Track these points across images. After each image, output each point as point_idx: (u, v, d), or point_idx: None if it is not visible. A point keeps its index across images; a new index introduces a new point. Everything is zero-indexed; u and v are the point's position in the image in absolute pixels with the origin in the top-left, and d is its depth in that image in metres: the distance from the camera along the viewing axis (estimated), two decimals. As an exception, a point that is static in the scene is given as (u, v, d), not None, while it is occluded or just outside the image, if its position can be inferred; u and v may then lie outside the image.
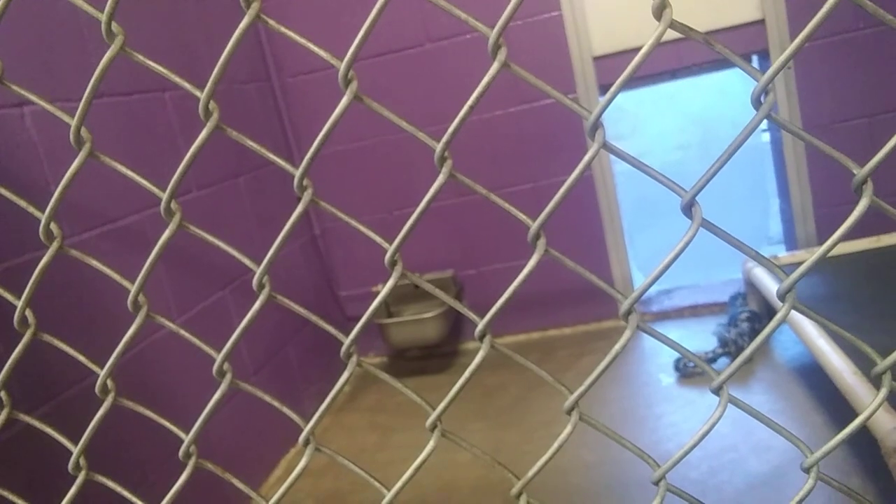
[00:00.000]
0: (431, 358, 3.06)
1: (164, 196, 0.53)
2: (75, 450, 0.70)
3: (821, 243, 2.85)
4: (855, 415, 1.63)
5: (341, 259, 3.11)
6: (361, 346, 3.21)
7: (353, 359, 0.56)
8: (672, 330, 2.80)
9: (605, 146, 0.49)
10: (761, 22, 2.62)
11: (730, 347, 2.39)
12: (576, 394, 0.55)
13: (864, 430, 1.49)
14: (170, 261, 2.02)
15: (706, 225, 0.49)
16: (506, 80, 2.66)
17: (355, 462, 0.65)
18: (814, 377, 2.15)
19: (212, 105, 0.50)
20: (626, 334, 0.52)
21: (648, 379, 2.47)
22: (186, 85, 0.52)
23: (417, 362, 3.07)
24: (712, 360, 2.41)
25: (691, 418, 2.15)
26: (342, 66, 0.48)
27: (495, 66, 0.48)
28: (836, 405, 1.90)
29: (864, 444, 1.51)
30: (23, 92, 0.61)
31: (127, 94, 1.96)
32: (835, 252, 2.40)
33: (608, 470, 1.96)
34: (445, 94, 2.82)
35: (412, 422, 2.53)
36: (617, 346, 0.52)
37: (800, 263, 0.50)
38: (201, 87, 0.52)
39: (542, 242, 0.52)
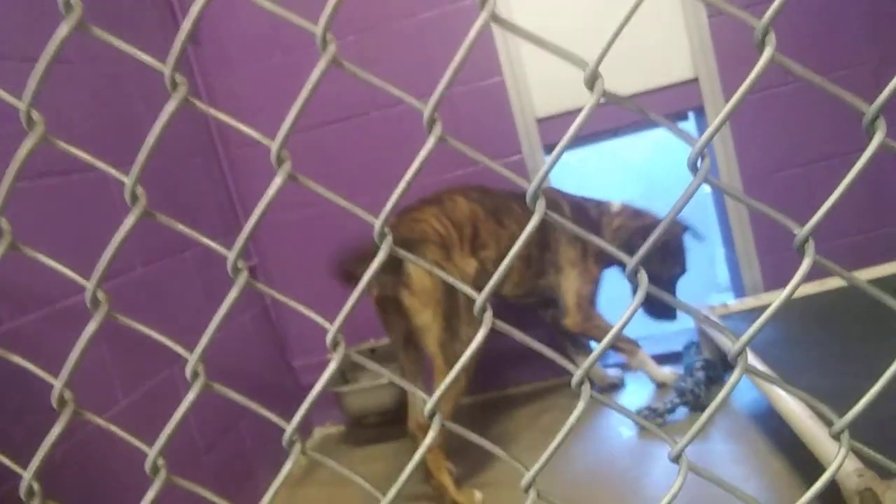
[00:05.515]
0: (391, 424, 2.99)
1: (89, 286, 0.50)
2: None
3: (767, 289, 2.92)
4: (814, 458, 1.63)
5: (294, 329, 3.04)
6: (318, 416, 3.12)
7: (296, 447, 0.53)
8: (629, 382, 2.80)
9: (546, 216, 0.48)
10: (695, 80, 2.72)
11: (687, 397, 2.40)
12: (532, 471, 0.53)
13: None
14: (113, 340, 1.94)
15: (653, 291, 0.49)
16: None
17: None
18: (771, 422, 2.16)
19: (139, 190, 0.48)
20: (580, 406, 0.51)
21: (609, 432, 2.45)
22: (112, 171, 0.50)
23: (376, 429, 2.99)
24: (671, 410, 2.41)
25: (652, 472, 2.13)
26: (274, 147, 0.47)
27: (431, 141, 0.47)
28: (794, 449, 1.91)
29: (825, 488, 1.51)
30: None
31: (65, 173, 1.91)
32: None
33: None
34: (391, 161, 2.84)
35: (372, 497, 2.45)
36: (571, 419, 0.51)
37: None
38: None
39: (488, 315, 0.51)
